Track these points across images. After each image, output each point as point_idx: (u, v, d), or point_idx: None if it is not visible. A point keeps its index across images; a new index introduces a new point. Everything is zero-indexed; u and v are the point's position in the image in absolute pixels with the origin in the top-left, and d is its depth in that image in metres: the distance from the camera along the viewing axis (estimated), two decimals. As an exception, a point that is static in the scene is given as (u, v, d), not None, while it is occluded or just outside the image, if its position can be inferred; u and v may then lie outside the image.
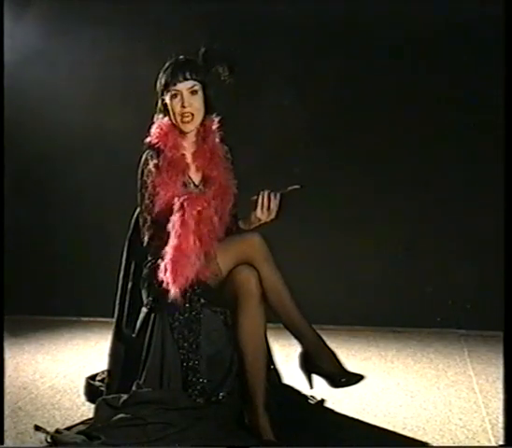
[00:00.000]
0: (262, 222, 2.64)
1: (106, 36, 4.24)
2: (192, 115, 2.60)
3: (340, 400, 2.89)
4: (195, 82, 2.59)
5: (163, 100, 2.64)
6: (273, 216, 2.62)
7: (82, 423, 2.68)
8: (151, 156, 2.61)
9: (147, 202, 2.60)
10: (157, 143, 2.62)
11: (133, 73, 4.15)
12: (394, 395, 3.06)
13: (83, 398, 2.98)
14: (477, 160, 3.96)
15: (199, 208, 2.48)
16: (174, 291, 2.46)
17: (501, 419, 2.69)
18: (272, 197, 2.59)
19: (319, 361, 2.53)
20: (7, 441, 2.52)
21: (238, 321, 2.49)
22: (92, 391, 2.92)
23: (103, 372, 2.94)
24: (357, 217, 4.08)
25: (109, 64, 4.27)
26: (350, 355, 3.61)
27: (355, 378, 2.53)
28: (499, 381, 3.16)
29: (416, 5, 3.87)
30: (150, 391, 2.54)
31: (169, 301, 2.50)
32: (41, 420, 2.77)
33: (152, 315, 2.61)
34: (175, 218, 2.47)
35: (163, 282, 2.48)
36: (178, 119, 2.61)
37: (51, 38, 4.29)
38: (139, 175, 2.63)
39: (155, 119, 2.67)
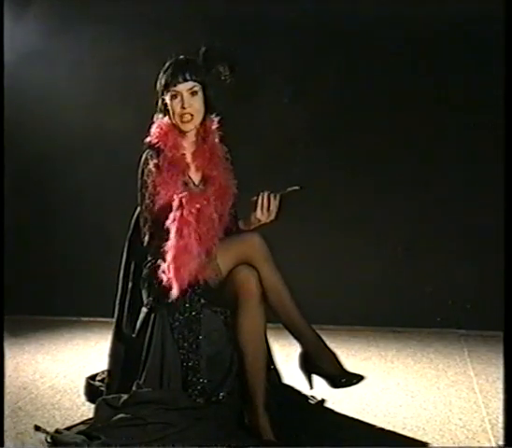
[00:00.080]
0: (261, 223, 2.64)
1: (106, 36, 4.24)
2: (192, 115, 2.60)
3: (340, 400, 2.88)
4: (195, 83, 2.59)
5: (163, 100, 2.63)
6: (273, 217, 2.62)
7: (82, 423, 2.68)
8: (151, 156, 2.61)
9: (147, 201, 2.60)
10: (157, 142, 2.62)
11: (133, 73, 4.15)
12: (394, 395, 3.06)
13: (83, 398, 2.98)
14: (477, 160, 3.95)
15: (198, 206, 2.48)
16: (176, 287, 2.46)
17: (501, 419, 2.69)
18: (272, 198, 2.59)
19: (318, 361, 2.53)
20: (7, 441, 2.52)
21: (238, 321, 2.49)
22: (92, 391, 2.92)
23: (103, 372, 2.94)
24: (357, 217, 4.08)
25: (109, 64, 4.26)
26: (350, 355, 3.61)
27: (355, 378, 2.53)
28: (499, 381, 3.16)
29: (416, 5, 3.87)
30: (150, 391, 2.54)
31: (169, 300, 2.51)
32: (41, 420, 2.77)
33: (152, 316, 2.60)
34: (174, 215, 2.47)
35: (163, 281, 2.48)
36: (178, 119, 2.61)
37: (51, 38, 4.29)
38: (139, 175, 2.63)
39: (155, 119, 2.67)
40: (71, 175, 4.35)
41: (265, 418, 2.46)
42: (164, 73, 2.61)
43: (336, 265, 4.13)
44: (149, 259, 2.61)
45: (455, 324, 4.02)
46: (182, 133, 2.65)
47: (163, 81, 2.61)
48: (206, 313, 2.59)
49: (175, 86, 2.58)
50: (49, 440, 2.50)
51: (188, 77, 2.58)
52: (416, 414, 2.82)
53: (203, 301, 2.57)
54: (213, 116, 2.68)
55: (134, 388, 2.56)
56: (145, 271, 2.62)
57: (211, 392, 2.56)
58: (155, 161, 2.60)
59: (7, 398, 2.93)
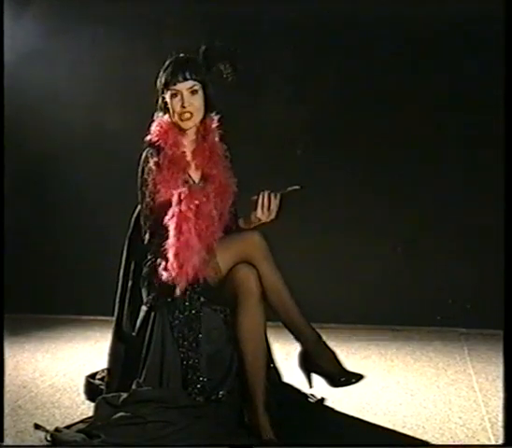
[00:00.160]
0: (262, 222, 2.63)
1: (106, 35, 4.25)
2: (192, 114, 2.60)
3: (340, 399, 2.88)
4: (195, 82, 2.59)
5: (163, 98, 2.64)
6: (273, 216, 2.61)
7: (82, 421, 2.68)
8: (152, 154, 2.61)
9: (147, 199, 2.60)
10: (157, 141, 2.62)
11: (133, 72, 4.15)
12: (394, 393, 3.06)
13: (83, 396, 2.98)
14: (477, 160, 3.96)
15: (197, 202, 2.47)
16: (181, 284, 2.46)
17: (500, 418, 2.68)
18: (272, 197, 2.59)
19: (318, 360, 2.53)
20: (7, 440, 2.52)
21: (238, 320, 2.49)
22: (91, 390, 2.92)
23: (103, 371, 2.94)
24: (357, 217, 4.08)
25: (109, 64, 4.27)
26: (350, 353, 3.61)
27: (354, 377, 2.53)
28: (499, 379, 3.17)
29: (416, 5, 3.88)
30: (150, 389, 2.54)
31: (169, 299, 2.51)
32: (41, 418, 2.76)
33: (152, 314, 2.60)
34: (173, 211, 2.46)
35: (163, 279, 2.48)
36: (178, 117, 2.61)
37: (51, 37, 4.29)
38: (140, 173, 2.63)
39: (155, 117, 2.68)
40: (71, 175, 4.35)
41: (265, 417, 2.46)
42: (165, 71, 2.61)
43: (336, 264, 4.13)
44: (150, 257, 2.61)
45: (455, 322, 4.02)
46: (182, 132, 2.65)
47: (163, 80, 2.61)
48: (206, 311, 2.59)
49: (175, 85, 2.58)
50: (48, 438, 2.50)
51: (188, 76, 2.58)
52: (416, 413, 2.82)
53: (202, 299, 2.57)
54: (213, 114, 2.68)
55: (133, 387, 2.56)
56: (145, 269, 2.62)
57: (211, 390, 2.55)
58: (155, 159, 2.60)
59: (6, 396, 2.92)
